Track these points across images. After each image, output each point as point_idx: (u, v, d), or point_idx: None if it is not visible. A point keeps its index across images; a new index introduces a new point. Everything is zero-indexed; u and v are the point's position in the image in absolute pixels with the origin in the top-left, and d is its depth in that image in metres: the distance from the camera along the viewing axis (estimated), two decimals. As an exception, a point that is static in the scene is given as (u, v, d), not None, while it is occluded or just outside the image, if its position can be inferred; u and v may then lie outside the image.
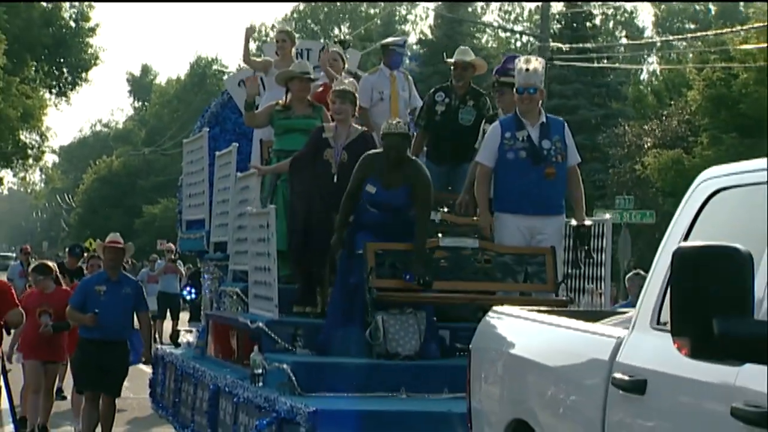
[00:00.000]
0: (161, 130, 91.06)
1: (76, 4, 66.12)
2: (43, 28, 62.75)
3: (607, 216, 11.66)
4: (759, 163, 5.40)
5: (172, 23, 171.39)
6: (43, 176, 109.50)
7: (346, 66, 13.55)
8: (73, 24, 66.14)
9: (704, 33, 57.05)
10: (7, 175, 72.96)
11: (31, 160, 67.54)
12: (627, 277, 12.85)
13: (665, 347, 5.68)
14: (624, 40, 72.23)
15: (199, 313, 19.72)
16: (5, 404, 15.02)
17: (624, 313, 7.88)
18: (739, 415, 4.71)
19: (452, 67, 13.11)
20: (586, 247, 11.28)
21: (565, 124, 11.54)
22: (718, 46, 47.94)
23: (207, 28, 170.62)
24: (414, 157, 11.50)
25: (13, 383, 15.80)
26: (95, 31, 67.31)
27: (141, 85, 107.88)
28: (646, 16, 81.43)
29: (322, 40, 14.66)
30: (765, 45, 42.12)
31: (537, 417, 6.71)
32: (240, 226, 12.60)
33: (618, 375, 5.92)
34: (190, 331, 15.05)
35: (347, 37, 15.16)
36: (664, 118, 47.77)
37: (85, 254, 21.67)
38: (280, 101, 12.45)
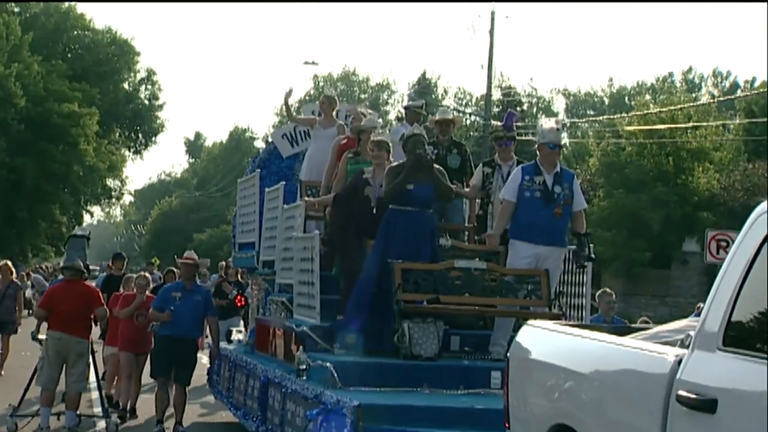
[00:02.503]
0: (208, 179, 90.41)
1: (150, 87, 65.62)
2: (125, 105, 63.01)
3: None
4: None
5: (217, 102, 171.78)
6: (122, 211, 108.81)
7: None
8: (147, 102, 65.91)
9: (601, 117, 56.47)
10: (96, 210, 72.69)
11: (113, 200, 68.24)
12: (597, 294, 11.24)
13: (737, 368, 4.21)
14: (542, 121, 71.79)
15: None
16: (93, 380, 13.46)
17: (642, 329, 6.34)
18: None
19: (437, 124, 11.76)
20: (588, 249, 9.92)
21: (575, 177, 10.29)
22: (611, 127, 47.65)
23: (241, 106, 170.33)
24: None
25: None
26: (162, 108, 67.24)
27: (194, 146, 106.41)
28: (560, 104, 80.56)
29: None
30: (646, 127, 42.03)
31: (584, 424, 5.15)
32: (286, 248, 11.15)
33: (683, 393, 4.39)
34: (241, 331, 13.56)
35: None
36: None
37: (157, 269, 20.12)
38: (351, 150, 11.12)
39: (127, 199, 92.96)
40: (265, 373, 10.14)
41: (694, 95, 60.46)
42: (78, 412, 12.10)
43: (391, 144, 10.54)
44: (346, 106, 13.38)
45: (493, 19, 39.78)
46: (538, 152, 9.91)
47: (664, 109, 42.47)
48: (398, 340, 8.99)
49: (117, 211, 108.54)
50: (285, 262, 11.17)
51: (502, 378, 8.63)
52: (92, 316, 12.25)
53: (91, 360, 12.39)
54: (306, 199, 11.13)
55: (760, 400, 3.98)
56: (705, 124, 43.61)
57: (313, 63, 48.30)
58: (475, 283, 9.33)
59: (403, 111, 13.27)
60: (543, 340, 5.88)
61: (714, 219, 38.73)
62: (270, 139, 14.88)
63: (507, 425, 6.07)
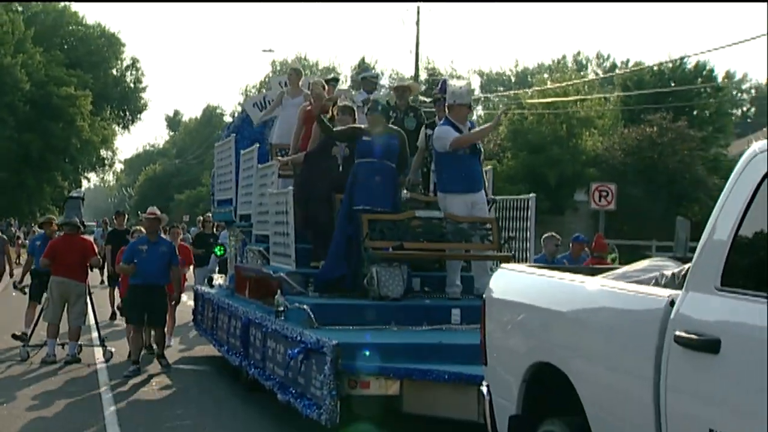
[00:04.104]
0: (185, 149, 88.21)
1: (134, 73, 63.73)
2: (114, 88, 61.61)
3: (532, 195, 9.23)
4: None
5: (192, 84, 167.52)
6: (114, 177, 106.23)
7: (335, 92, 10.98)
8: (132, 85, 64.19)
9: (508, 92, 55.88)
10: (92, 176, 71.44)
11: (106, 167, 67.19)
12: (544, 237, 10.31)
13: (738, 308, 3.35)
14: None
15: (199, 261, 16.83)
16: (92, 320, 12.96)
17: (608, 269, 5.48)
18: None
19: (395, 90, 10.73)
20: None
21: (475, 125, 9.27)
22: (516, 100, 47.28)
23: (212, 87, 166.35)
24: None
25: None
26: (145, 90, 65.61)
27: (173, 121, 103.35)
28: (475, 82, 79.54)
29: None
30: (544, 100, 41.97)
31: (568, 362, 4.31)
32: (261, 203, 10.10)
33: (681, 333, 3.53)
34: (221, 277, 12.48)
35: (333, 74, 13.02)
36: (485, 142, 46.30)
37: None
38: (325, 116, 9.65)
39: (118, 166, 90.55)
40: (246, 314, 9.14)
41: (582, 73, 60.07)
42: (78, 343, 11.84)
43: (355, 108, 9.57)
44: (309, 79, 12.34)
45: (419, 13, 39.55)
46: (448, 111, 8.78)
47: (558, 85, 42.71)
48: (368, 283, 8.06)
49: (110, 177, 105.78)
50: (261, 216, 10.14)
51: (462, 317, 7.88)
52: (88, 264, 11.96)
53: (89, 300, 12.00)
54: (279, 158, 10.08)
55: (765, 339, 3.17)
56: (590, 96, 43.86)
57: (270, 50, 47.22)
58: (434, 230, 8.42)
59: (356, 82, 12.25)
60: (520, 282, 5.00)
61: (598, 174, 38.67)
62: (242, 108, 13.71)
63: (485, 363, 5.21)
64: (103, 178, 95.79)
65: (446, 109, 8.89)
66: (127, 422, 8.31)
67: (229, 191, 11.88)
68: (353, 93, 10.78)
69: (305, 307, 7.64)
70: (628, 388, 3.87)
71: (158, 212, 11.72)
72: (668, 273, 4.51)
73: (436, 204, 8.96)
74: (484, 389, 5.20)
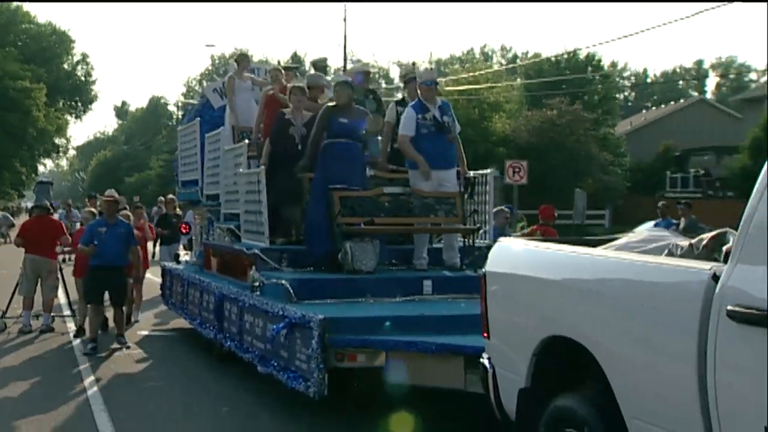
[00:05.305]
0: (133, 135, 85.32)
1: (84, 67, 61.03)
2: (66, 81, 59.00)
3: (489, 171, 8.63)
4: None
5: (138, 76, 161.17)
6: (68, 162, 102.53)
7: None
8: (83, 78, 61.53)
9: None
10: (48, 162, 68.73)
11: (61, 154, 65.06)
12: (494, 211, 9.63)
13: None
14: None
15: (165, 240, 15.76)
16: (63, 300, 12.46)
17: (607, 241, 4.88)
18: None
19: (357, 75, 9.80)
20: (471, 191, 8.42)
21: (450, 105, 8.53)
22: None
23: (157, 79, 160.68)
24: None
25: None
26: (95, 82, 63.02)
27: (121, 111, 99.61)
28: (395, 72, 78.10)
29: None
30: (458, 87, 41.63)
31: (589, 337, 3.71)
32: (227, 183, 9.26)
33: (735, 308, 2.96)
34: (187, 254, 11.56)
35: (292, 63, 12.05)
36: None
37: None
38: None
39: (72, 153, 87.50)
40: (219, 289, 8.32)
41: (488, 63, 59.97)
42: (52, 314, 11.44)
43: (306, 89, 8.80)
44: (267, 67, 11.59)
45: (345, 10, 39.35)
46: (419, 91, 8.21)
47: (470, 74, 42.52)
48: (341, 258, 7.34)
49: (64, 163, 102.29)
50: (230, 195, 9.26)
51: (433, 287, 7.28)
52: (58, 242, 11.45)
53: (60, 276, 11.58)
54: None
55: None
56: (498, 84, 43.77)
57: (212, 45, 45.91)
58: (402, 205, 7.74)
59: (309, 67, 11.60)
60: (527, 255, 4.37)
61: (507, 152, 38.71)
62: (202, 93, 12.75)
63: (486, 336, 4.59)
64: (57, 163, 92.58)
65: (417, 90, 8.33)
66: (105, 384, 7.96)
67: (194, 172, 10.92)
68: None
69: (284, 282, 6.89)
70: (666, 363, 3.28)
71: (116, 195, 10.68)
72: (683, 243, 3.94)
73: (399, 181, 8.31)
74: (486, 362, 4.58)
